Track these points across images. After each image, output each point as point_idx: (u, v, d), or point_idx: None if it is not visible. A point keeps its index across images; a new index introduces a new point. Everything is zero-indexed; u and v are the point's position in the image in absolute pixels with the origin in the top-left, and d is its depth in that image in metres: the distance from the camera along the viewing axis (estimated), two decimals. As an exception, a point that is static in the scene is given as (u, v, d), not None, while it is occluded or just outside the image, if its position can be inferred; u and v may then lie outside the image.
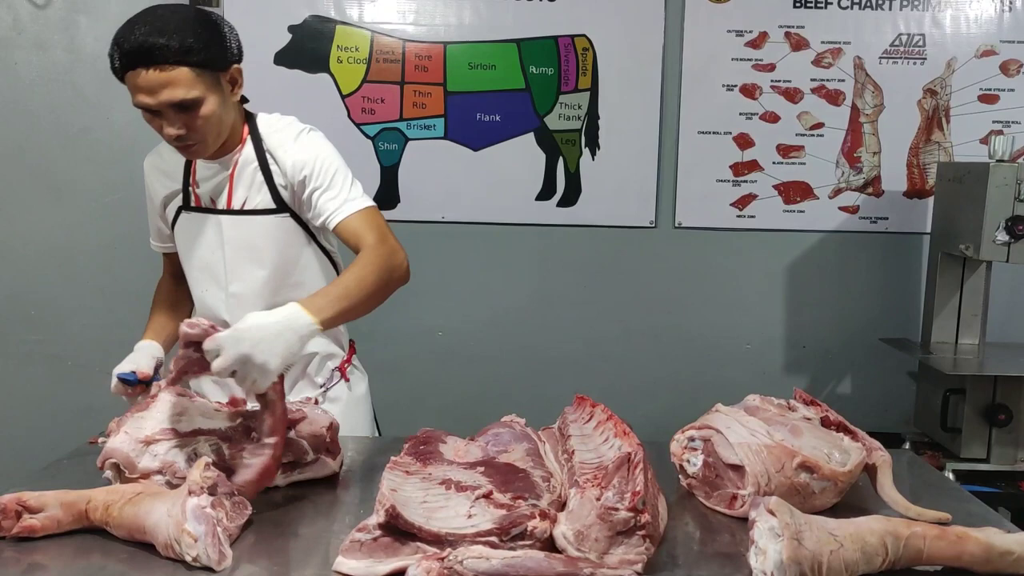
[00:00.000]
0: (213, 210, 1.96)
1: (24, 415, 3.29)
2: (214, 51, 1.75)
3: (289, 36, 3.21)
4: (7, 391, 3.32)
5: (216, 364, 1.46)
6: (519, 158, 3.29)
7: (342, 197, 1.89)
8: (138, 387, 1.84)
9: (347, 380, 2.13)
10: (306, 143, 1.93)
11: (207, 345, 1.48)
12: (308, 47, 3.22)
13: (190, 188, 1.96)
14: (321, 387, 2.08)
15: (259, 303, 1.91)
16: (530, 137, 3.29)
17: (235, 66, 1.83)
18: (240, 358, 1.46)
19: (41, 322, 3.30)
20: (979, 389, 2.75)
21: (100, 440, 1.82)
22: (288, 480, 1.64)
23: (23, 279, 3.29)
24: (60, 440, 1.98)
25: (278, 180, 1.92)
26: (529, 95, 3.27)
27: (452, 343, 3.37)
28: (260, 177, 1.92)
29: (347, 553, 1.28)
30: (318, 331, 1.60)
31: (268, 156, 1.92)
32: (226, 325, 1.72)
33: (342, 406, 2.08)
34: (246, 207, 1.94)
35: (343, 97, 3.24)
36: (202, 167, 1.94)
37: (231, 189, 1.93)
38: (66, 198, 3.25)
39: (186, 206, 1.99)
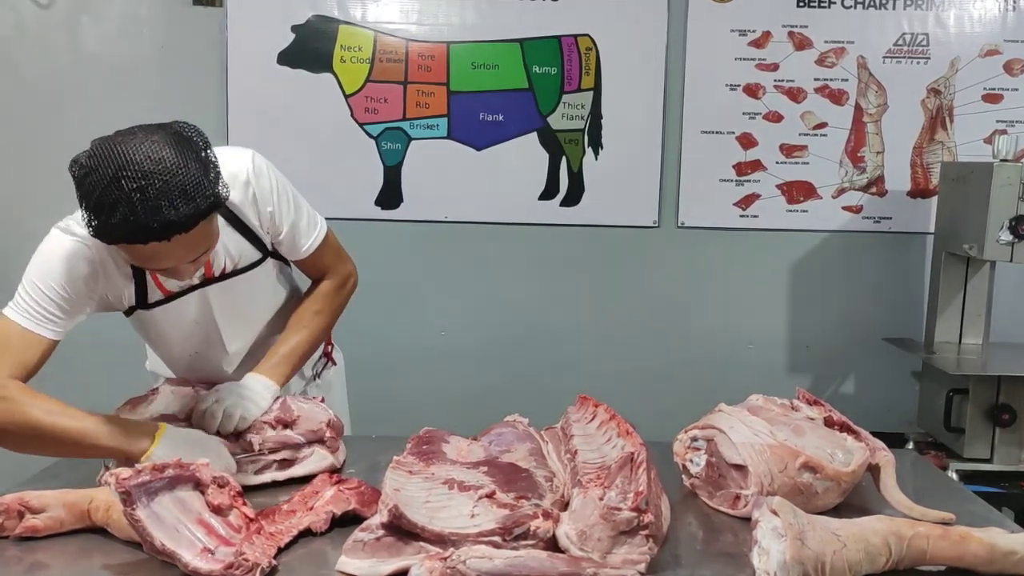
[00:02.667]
0: (192, 288, 1.75)
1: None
2: (223, 186, 1.50)
3: (292, 36, 3.21)
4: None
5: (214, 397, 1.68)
6: (522, 158, 3.29)
7: (304, 232, 1.84)
8: None
9: (334, 363, 2.20)
10: (263, 187, 1.74)
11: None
12: (311, 47, 3.22)
13: (147, 284, 1.72)
14: (312, 376, 2.12)
15: (260, 349, 1.91)
16: (533, 137, 3.28)
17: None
18: (227, 419, 1.66)
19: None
20: (982, 389, 2.74)
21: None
22: (286, 475, 1.65)
23: (26, 279, 3.28)
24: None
25: (256, 229, 1.77)
26: (532, 95, 3.26)
27: (455, 342, 3.37)
28: (237, 236, 1.75)
29: (350, 553, 1.28)
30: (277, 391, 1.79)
31: (237, 213, 1.73)
32: (228, 372, 1.90)
33: (336, 385, 2.18)
34: (231, 269, 1.78)
35: (346, 97, 3.24)
36: None
37: (209, 262, 1.72)
38: (70, 197, 3.24)
39: (145, 304, 1.74)
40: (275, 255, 1.87)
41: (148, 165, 1.40)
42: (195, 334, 1.83)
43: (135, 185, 1.38)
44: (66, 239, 1.68)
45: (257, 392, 1.73)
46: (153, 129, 1.47)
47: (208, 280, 1.75)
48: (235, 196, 1.67)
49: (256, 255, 1.80)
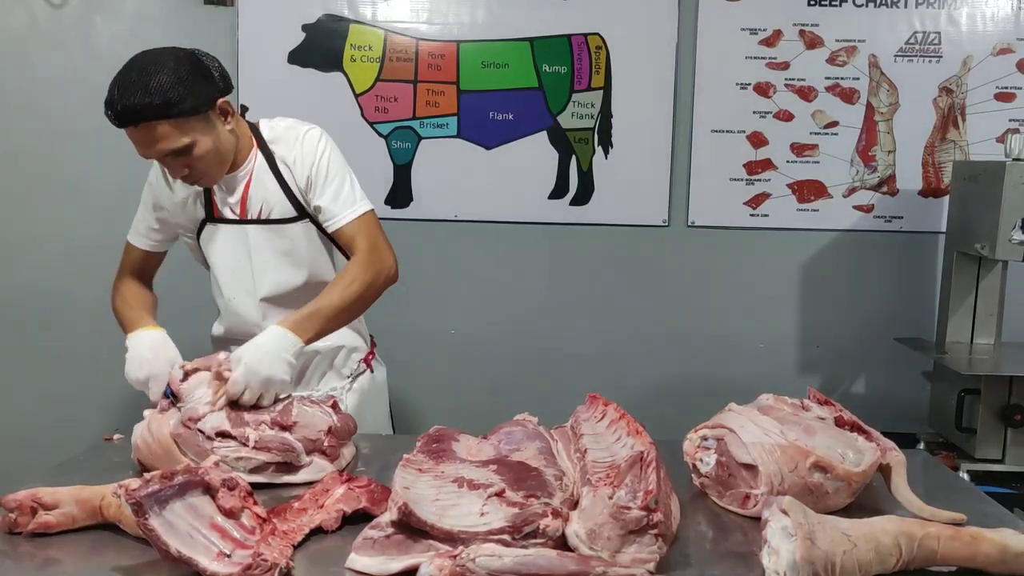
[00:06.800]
0: (238, 220, 2.02)
1: (39, 412, 3.32)
2: (196, 97, 1.81)
3: (303, 35, 3.21)
4: (23, 388, 3.34)
5: (232, 378, 1.71)
6: (532, 157, 3.28)
7: (341, 203, 2.00)
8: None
9: (372, 371, 2.26)
10: (308, 148, 2.00)
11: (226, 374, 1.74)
12: (322, 46, 3.22)
13: (212, 198, 2.03)
14: (348, 377, 2.19)
15: (292, 306, 1.99)
16: (543, 136, 3.28)
17: (221, 100, 1.89)
18: (250, 371, 1.72)
19: (56, 320, 3.32)
20: (994, 389, 2.72)
21: (116, 437, 1.85)
22: (282, 480, 1.64)
23: (38, 277, 3.31)
24: (75, 437, 1.99)
25: (293, 187, 2.00)
26: (542, 93, 3.26)
27: (465, 341, 3.37)
28: (276, 186, 2.00)
29: (360, 550, 1.29)
30: (303, 349, 1.85)
31: (280, 165, 2.01)
32: (259, 329, 1.95)
33: (366, 395, 2.22)
34: (264, 215, 2.01)
35: (356, 96, 3.25)
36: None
37: (245, 199, 2.00)
38: (81, 197, 3.27)
39: (210, 218, 2.05)
40: (316, 222, 2.04)
41: (142, 61, 1.80)
42: (236, 271, 2.05)
43: (124, 70, 1.79)
44: None
45: (273, 352, 1.79)
46: (178, 48, 1.86)
47: (243, 220, 2.01)
48: (281, 150, 2.00)
49: (291, 211, 2.01)
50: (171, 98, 1.76)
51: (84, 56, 3.23)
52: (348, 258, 2.07)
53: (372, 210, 2.05)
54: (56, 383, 3.33)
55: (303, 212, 2.03)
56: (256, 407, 1.73)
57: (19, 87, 3.23)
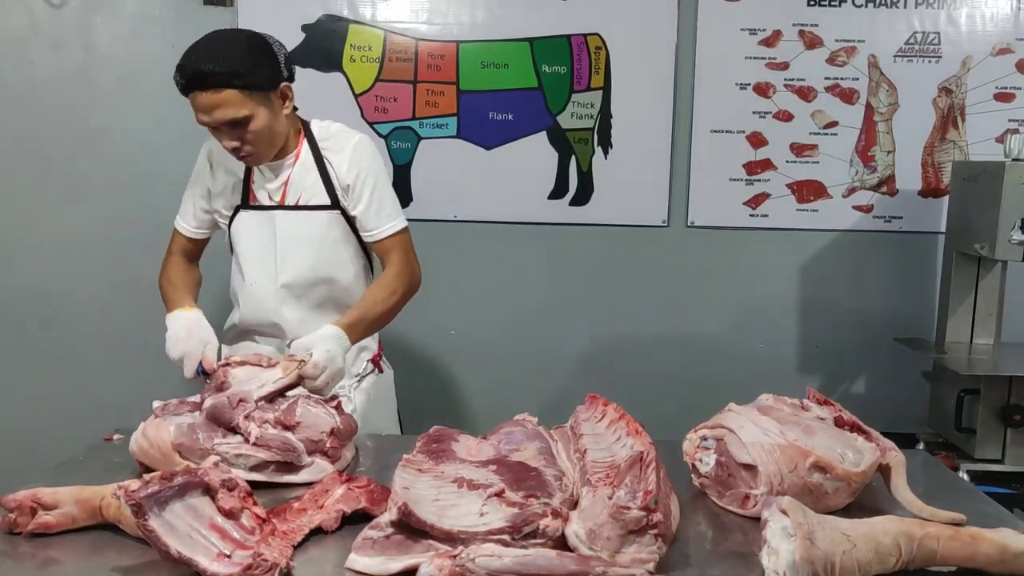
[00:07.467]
0: (269, 207, 2.13)
1: (39, 412, 3.32)
2: (261, 74, 1.95)
3: (303, 35, 3.21)
4: (23, 388, 3.34)
5: (313, 358, 1.82)
6: (531, 157, 3.28)
7: (379, 218, 2.13)
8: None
9: (380, 371, 2.32)
10: (356, 156, 2.12)
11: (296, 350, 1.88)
12: (321, 46, 3.22)
13: (250, 186, 2.14)
14: (356, 376, 2.23)
15: (308, 296, 2.15)
16: (542, 136, 3.28)
17: (284, 84, 2.03)
18: (331, 357, 1.85)
19: (56, 320, 3.32)
20: (994, 389, 2.73)
21: (116, 437, 1.85)
22: (282, 479, 1.63)
23: (38, 277, 3.31)
24: (75, 437, 1.99)
25: (335, 184, 2.13)
26: (542, 94, 3.26)
27: (464, 341, 3.37)
28: (317, 178, 2.12)
29: (360, 550, 1.29)
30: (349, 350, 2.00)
31: (325, 161, 2.13)
32: (277, 315, 2.15)
33: (373, 395, 2.26)
34: (301, 203, 2.12)
35: (356, 96, 3.25)
36: (260, 168, 2.13)
37: (286, 188, 2.12)
38: (81, 196, 3.27)
39: (244, 204, 2.16)
40: (347, 215, 2.15)
41: (217, 34, 1.97)
42: (261, 257, 2.14)
43: (198, 41, 1.94)
44: None
45: (340, 344, 1.94)
46: (252, 31, 2.03)
47: (281, 205, 2.12)
48: (329, 150, 2.13)
49: (327, 200, 2.12)
50: (239, 69, 1.90)
51: (84, 56, 3.22)
52: (369, 258, 2.25)
53: (405, 227, 2.18)
54: (56, 383, 3.33)
55: (336, 205, 2.13)
56: (271, 401, 1.75)
57: (19, 87, 3.23)
